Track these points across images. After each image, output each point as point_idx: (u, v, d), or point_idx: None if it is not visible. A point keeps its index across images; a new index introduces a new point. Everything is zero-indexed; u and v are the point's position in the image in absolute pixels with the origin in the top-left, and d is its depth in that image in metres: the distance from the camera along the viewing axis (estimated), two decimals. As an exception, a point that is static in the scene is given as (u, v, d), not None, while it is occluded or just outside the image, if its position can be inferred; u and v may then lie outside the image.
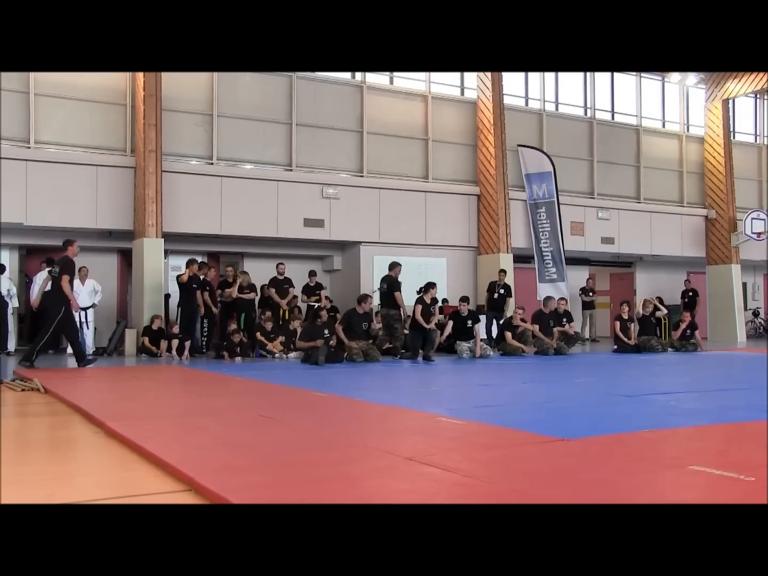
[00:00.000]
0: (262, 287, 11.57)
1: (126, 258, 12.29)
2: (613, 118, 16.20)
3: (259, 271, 11.90)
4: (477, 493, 2.44)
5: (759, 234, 16.02)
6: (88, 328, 10.70)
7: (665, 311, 12.98)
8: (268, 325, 10.60)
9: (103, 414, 4.26)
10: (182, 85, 11.75)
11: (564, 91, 15.57)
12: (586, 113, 15.83)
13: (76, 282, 10.82)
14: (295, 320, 10.81)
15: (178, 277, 10.88)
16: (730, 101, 17.03)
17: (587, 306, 15.07)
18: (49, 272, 8.77)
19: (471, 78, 14.34)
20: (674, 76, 16.35)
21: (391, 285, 10.14)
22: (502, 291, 12.48)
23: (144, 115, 10.96)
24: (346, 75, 13.27)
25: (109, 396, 5.80)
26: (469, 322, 10.39)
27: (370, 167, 13.26)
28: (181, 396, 6.01)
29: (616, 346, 11.82)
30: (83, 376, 7.53)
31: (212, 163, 12.01)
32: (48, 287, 8.53)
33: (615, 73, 16.20)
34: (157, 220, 10.90)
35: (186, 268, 10.76)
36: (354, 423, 4.28)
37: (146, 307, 10.75)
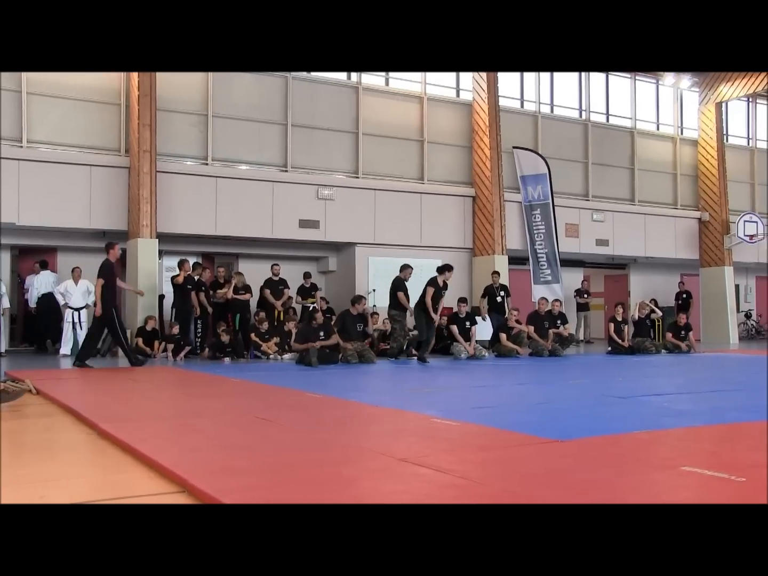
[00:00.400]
0: (262, 288, 11.56)
1: (120, 258, 12.23)
2: (607, 120, 16.25)
3: (254, 272, 11.88)
4: (470, 494, 2.45)
5: (751, 236, 16.10)
6: (81, 328, 10.67)
7: (660, 314, 13.04)
8: (263, 326, 10.59)
9: (96, 415, 4.24)
10: (177, 86, 11.72)
11: (559, 93, 15.62)
12: (581, 115, 15.88)
13: (69, 282, 10.83)
14: (290, 321, 10.81)
15: (173, 278, 10.86)
16: (723, 104, 17.12)
17: (582, 308, 15.11)
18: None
19: (466, 80, 14.36)
20: (668, 79, 16.42)
21: (395, 286, 10.13)
22: (503, 293, 12.50)
23: (138, 115, 10.93)
24: (341, 76, 13.27)
25: (102, 397, 5.77)
26: (467, 323, 10.42)
27: (366, 168, 13.26)
28: (175, 397, 5.99)
29: (610, 348, 11.86)
30: (76, 377, 7.50)
31: (207, 164, 11.99)
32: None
33: (610, 76, 16.27)
34: (152, 221, 10.87)
35: (179, 268, 10.75)
36: (348, 424, 4.28)
37: (140, 308, 10.72)
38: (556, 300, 12.31)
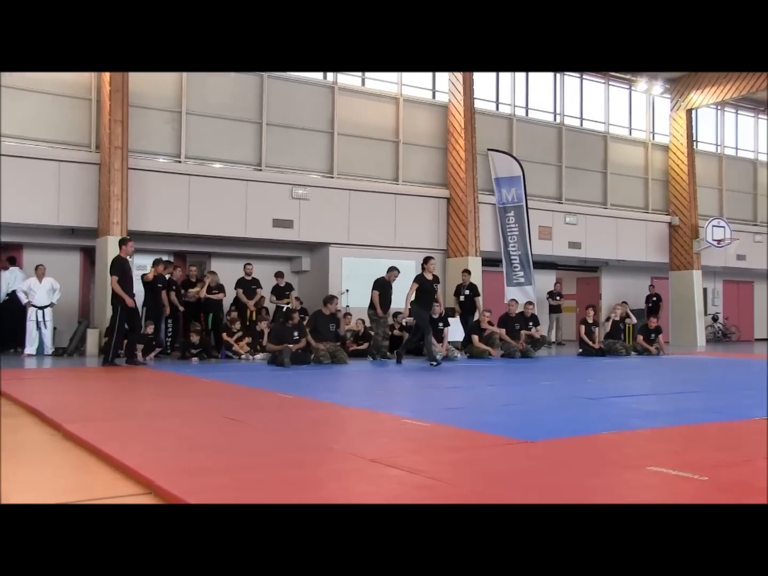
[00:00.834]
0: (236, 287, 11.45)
1: (89, 256, 12.04)
2: (581, 124, 16.46)
3: (227, 272, 11.77)
4: (440, 495, 2.45)
5: (719, 241, 16.46)
6: (46, 327, 10.46)
7: (635, 321, 13.29)
8: (235, 326, 10.49)
9: (61, 416, 4.15)
10: (150, 82, 11.56)
11: (534, 97, 15.77)
12: (555, 119, 16.05)
13: (33, 280, 10.60)
14: (263, 321, 10.73)
15: (143, 276, 10.70)
16: (694, 111, 17.45)
17: (554, 310, 15.27)
18: None
19: (442, 81, 14.42)
20: (641, 85, 16.68)
21: (373, 285, 10.06)
22: (467, 292, 12.53)
23: (110, 110, 10.75)
24: (317, 75, 13.22)
25: (68, 397, 5.66)
26: (440, 324, 10.45)
27: (341, 168, 13.23)
28: (143, 397, 5.90)
29: (581, 350, 12.00)
30: (41, 377, 7.34)
31: (180, 162, 11.85)
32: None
33: (584, 81, 16.47)
34: (122, 218, 10.70)
35: (152, 267, 10.60)
36: (319, 425, 4.25)
37: (109, 306, 10.53)
38: (529, 302, 12.41)
